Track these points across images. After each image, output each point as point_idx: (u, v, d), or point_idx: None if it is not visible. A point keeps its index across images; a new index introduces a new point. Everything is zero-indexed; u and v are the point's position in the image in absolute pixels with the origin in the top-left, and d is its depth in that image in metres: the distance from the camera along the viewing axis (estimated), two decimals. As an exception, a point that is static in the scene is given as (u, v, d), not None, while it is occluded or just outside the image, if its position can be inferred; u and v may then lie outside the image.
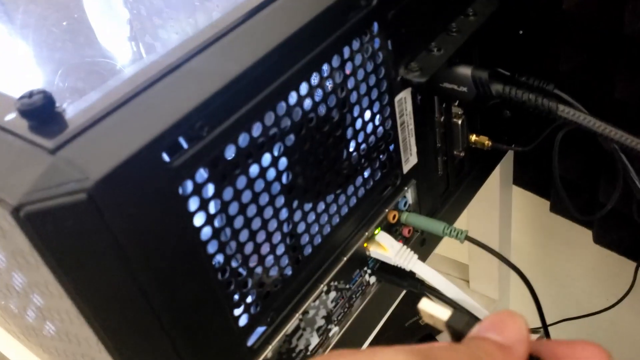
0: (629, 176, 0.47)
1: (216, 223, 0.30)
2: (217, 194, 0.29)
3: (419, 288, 0.44)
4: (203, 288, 0.30)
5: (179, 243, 0.28)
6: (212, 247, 0.30)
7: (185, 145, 0.27)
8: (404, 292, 0.50)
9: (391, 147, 0.42)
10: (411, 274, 0.44)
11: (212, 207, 0.30)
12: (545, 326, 0.49)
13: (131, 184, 0.25)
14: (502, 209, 0.77)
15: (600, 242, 0.71)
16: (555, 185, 0.58)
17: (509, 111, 0.56)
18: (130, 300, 0.27)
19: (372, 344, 0.82)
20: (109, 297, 0.27)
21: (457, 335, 0.22)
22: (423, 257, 0.51)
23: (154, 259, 0.27)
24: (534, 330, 0.62)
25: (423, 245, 0.51)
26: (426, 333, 0.81)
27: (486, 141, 0.52)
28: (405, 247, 0.44)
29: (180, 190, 0.28)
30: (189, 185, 0.28)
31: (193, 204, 0.28)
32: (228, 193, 0.30)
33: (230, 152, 0.29)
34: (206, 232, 0.30)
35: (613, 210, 0.57)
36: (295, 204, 0.35)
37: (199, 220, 0.29)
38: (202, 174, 0.28)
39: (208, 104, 0.27)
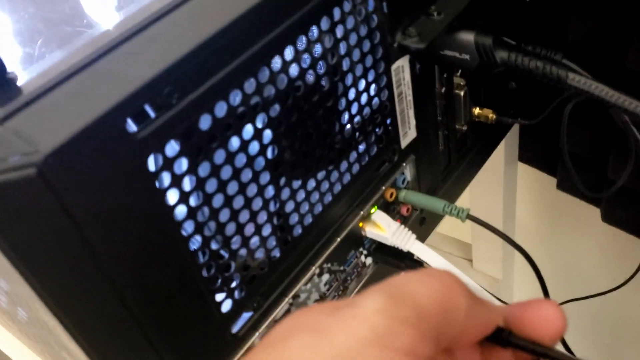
0: (642, 151, 0.44)
1: (192, 202, 0.27)
2: (192, 170, 0.27)
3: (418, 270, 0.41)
4: (178, 273, 0.28)
5: (149, 224, 0.26)
6: (188, 228, 0.28)
7: (152, 114, 0.24)
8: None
9: (388, 120, 0.39)
10: (409, 255, 0.42)
11: (187, 184, 0.27)
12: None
13: (90, 158, 0.23)
14: (507, 186, 0.74)
15: (609, 220, 0.68)
16: (564, 160, 0.55)
17: (514, 82, 0.53)
18: (94, 288, 0.25)
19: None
20: (71, 283, 0.24)
21: None
22: (422, 237, 0.48)
23: (120, 242, 0.25)
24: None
25: (422, 224, 0.48)
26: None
27: (490, 114, 0.49)
28: (403, 226, 0.41)
29: (149, 165, 0.25)
30: (159, 160, 0.25)
31: (164, 180, 0.26)
32: (204, 168, 0.27)
33: (205, 123, 0.27)
34: (180, 211, 0.27)
35: (623, 188, 0.54)
36: (282, 181, 0.32)
37: (171, 198, 0.26)
38: (173, 146, 0.26)
39: (177, 68, 0.24)
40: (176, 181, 0.26)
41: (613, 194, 0.64)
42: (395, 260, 0.42)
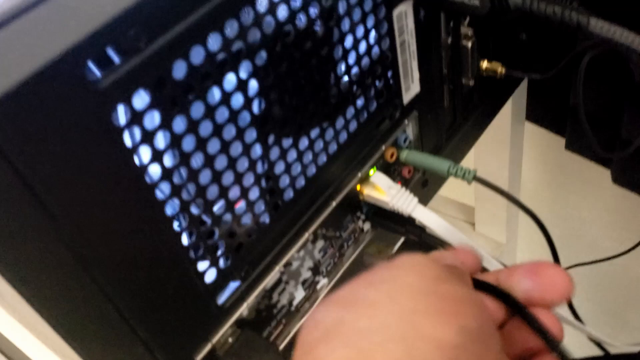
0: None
1: (166, 161, 0.24)
2: (166, 124, 0.24)
3: (420, 235, 0.38)
4: (154, 240, 0.25)
5: (117, 186, 0.23)
6: (163, 191, 0.25)
7: (117, 59, 0.21)
8: (402, 239, 0.45)
9: (389, 73, 0.36)
10: (411, 220, 0.39)
11: (160, 141, 0.24)
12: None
13: (43, 111, 0.19)
14: (513, 146, 0.70)
15: (620, 182, 0.65)
16: (574, 119, 0.52)
17: (525, 34, 0.49)
18: (55, 261, 0.22)
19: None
20: (29, 253, 0.21)
21: None
22: (424, 201, 0.45)
23: (81, 206, 0.22)
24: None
25: (425, 187, 0.45)
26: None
27: (499, 68, 0.45)
28: (404, 189, 0.38)
29: (115, 120, 0.22)
30: (126, 113, 0.22)
31: (133, 136, 0.23)
32: (180, 123, 0.24)
33: (180, 71, 0.23)
34: (154, 172, 0.24)
35: (637, 149, 0.51)
36: (271, 139, 0.29)
37: (143, 157, 0.23)
38: (143, 97, 0.22)
39: (143, 6, 0.21)
40: (147, 138, 0.23)
41: (625, 155, 0.61)
42: (396, 226, 0.39)
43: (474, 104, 0.48)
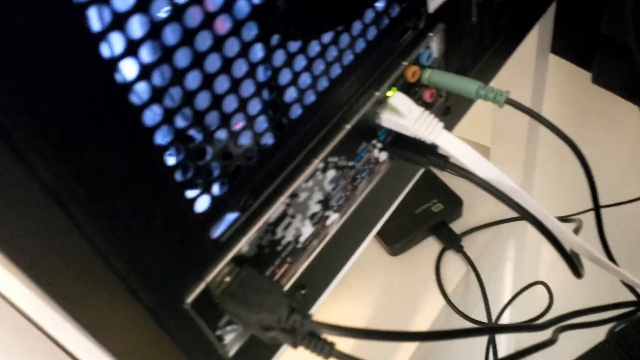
0: None
1: (143, 56, 0.19)
2: (141, 7, 0.18)
3: (444, 165, 0.34)
4: (128, 156, 0.20)
5: (80, 82, 0.18)
6: (139, 94, 0.20)
7: None
8: (421, 171, 0.41)
9: (414, -28, 0.30)
10: (433, 148, 0.34)
11: (136, 28, 0.19)
12: (597, 207, 0.39)
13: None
14: (536, 80, 0.65)
15: (653, 117, 0.60)
16: (628, 46, 0.46)
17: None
18: (13, 177, 0.17)
19: (377, 233, 0.74)
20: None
21: None
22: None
23: (41, 115, 0.17)
24: (571, 217, 0.53)
25: (447, 114, 0.40)
26: (439, 221, 0.72)
27: (536, -22, 0.39)
28: (427, 112, 0.33)
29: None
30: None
31: (100, 18, 0.17)
32: (160, 7, 0.19)
33: None
34: (127, 69, 0.19)
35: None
36: (275, 39, 0.24)
37: (113, 47, 0.18)
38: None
39: None
40: (118, 22, 0.18)
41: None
42: (416, 156, 0.35)
43: (502, 22, 0.42)
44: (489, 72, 0.44)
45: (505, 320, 0.86)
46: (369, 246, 0.74)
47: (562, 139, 0.35)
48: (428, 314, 0.66)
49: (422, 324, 0.65)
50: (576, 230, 0.47)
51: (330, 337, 0.25)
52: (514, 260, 0.88)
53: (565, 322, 0.38)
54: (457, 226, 0.73)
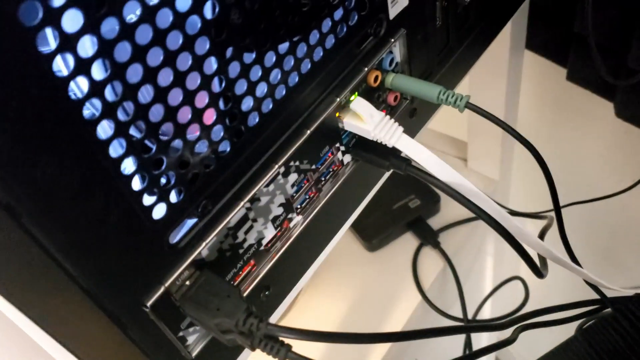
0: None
1: (95, 73, 0.20)
2: (90, 27, 0.19)
3: (405, 169, 0.35)
4: (82, 167, 0.21)
5: (32, 97, 0.18)
6: (93, 108, 0.20)
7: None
8: (388, 173, 0.41)
9: (372, -19, 0.31)
10: (395, 152, 0.35)
11: (87, 47, 0.19)
12: (557, 208, 0.40)
13: None
14: (510, 77, 0.66)
15: (623, 115, 0.61)
16: (588, 43, 0.47)
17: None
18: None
19: (354, 227, 0.75)
20: None
21: None
22: (412, 132, 0.42)
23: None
24: (542, 214, 0.55)
25: (413, 116, 0.41)
26: (416, 216, 0.73)
27: (500, -17, 0.40)
28: (387, 117, 0.34)
29: (22, 16, 0.17)
30: (38, 10, 0.17)
31: (46, 40, 0.18)
32: (110, 26, 0.20)
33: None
34: (80, 85, 0.20)
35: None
36: (229, 51, 0.25)
37: (66, 65, 0.19)
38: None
39: None
40: (68, 43, 0.19)
41: (630, 86, 0.56)
42: (378, 158, 0.36)
43: (469, 25, 0.43)
44: (457, 74, 0.45)
45: (485, 313, 0.87)
46: (347, 242, 0.75)
47: (521, 143, 0.36)
48: (405, 310, 0.67)
49: (398, 320, 0.66)
50: (546, 228, 0.48)
51: (287, 340, 0.26)
52: (494, 255, 0.89)
53: (526, 322, 0.39)
54: (435, 222, 0.74)
